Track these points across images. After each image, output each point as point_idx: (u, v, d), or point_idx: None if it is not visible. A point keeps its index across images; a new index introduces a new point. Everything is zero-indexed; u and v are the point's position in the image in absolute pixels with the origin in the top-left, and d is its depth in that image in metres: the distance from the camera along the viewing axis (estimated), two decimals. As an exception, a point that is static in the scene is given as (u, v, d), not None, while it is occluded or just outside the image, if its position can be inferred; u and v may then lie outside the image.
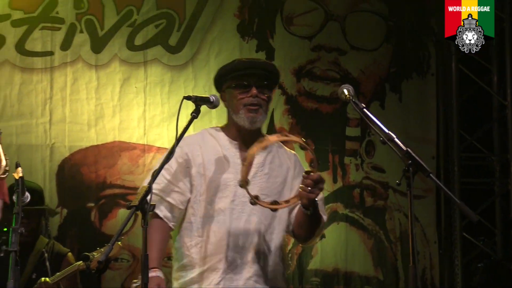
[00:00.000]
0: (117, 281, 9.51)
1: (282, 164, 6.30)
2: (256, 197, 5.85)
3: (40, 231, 8.62)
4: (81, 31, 9.95)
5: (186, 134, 5.95)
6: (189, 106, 5.99)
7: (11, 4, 9.83)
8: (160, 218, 6.13)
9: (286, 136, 6.19)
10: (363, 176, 10.16)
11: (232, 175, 6.14)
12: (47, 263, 8.26)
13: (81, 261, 8.16)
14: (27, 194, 6.05)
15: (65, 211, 9.76)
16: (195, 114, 5.97)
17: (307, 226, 6.08)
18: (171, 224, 6.20)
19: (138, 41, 10.03)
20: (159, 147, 9.59)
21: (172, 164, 6.12)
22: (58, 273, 8.18)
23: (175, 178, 6.20)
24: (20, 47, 9.85)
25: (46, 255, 8.32)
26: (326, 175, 9.87)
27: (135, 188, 9.03)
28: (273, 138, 6.00)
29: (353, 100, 5.88)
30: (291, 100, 10.11)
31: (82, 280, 8.86)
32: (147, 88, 9.95)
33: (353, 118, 10.09)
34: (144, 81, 9.97)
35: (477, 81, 10.35)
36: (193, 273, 6.20)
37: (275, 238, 6.20)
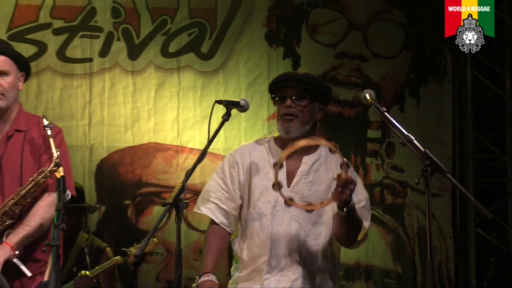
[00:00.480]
0: (152, 274, 9.51)
1: (329, 172, 6.19)
2: (291, 199, 5.83)
3: (80, 227, 8.62)
4: (118, 39, 9.98)
5: (245, 143, 6.18)
6: (220, 110, 5.99)
7: (52, 14, 9.86)
8: (217, 224, 6.11)
9: (314, 140, 6.15)
10: (383, 176, 10.13)
11: (270, 182, 5.96)
12: (87, 257, 8.27)
13: (119, 256, 8.18)
14: (68, 192, 6.04)
15: (103, 208, 9.79)
16: (226, 117, 5.99)
17: (345, 229, 5.99)
18: (228, 229, 6.17)
19: (172, 48, 10.03)
20: (191, 148, 9.59)
21: (225, 172, 6.16)
22: (97, 267, 8.19)
23: (228, 186, 6.17)
24: (61, 54, 9.89)
25: (86, 249, 8.33)
26: (348, 175, 9.89)
27: (169, 187, 9.16)
28: (302, 142, 5.89)
29: (375, 104, 5.86)
30: (317, 104, 10.09)
31: (120, 273, 8.88)
32: (180, 93, 9.95)
33: (374, 121, 10.06)
34: (177, 86, 9.97)
35: (491, 86, 10.27)
36: (242, 273, 6.17)
37: (321, 243, 6.13)
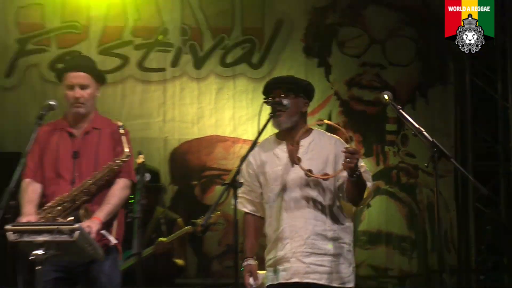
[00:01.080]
0: (215, 239, 9.56)
1: (323, 149, 6.16)
2: (310, 171, 5.93)
3: (157, 202, 8.65)
4: (186, 53, 10.03)
5: (260, 139, 6.05)
6: (267, 109, 6.03)
7: (133, 33, 9.93)
8: (248, 213, 6.22)
9: (321, 120, 6.58)
10: (399, 161, 10.09)
11: (280, 168, 6.14)
12: (163, 227, 8.29)
13: (189, 226, 8.19)
14: (147, 174, 6.07)
15: (175, 187, 9.88)
16: (272, 114, 6.02)
17: (355, 190, 5.99)
18: (258, 214, 6.26)
19: (229, 60, 10.07)
20: (245, 139, 9.61)
21: (244, 172, 6.19)
22: (171, 235, 8.20)
23: (247, 181, 6.23)
24: (140, 65, 9.98)
25: (162, 221, 8.35)
26: (371, 160, 9.90)
27: (228, 170, 9.17)
28: (312, 123, 6.26)
29: (392, 103, 5.86)
30: (344, 104, 10.07)
31: (190, 239, 8.92)
32: (236, 96, 9.99)
33: (391, 117, 10.02)
34: (233, 90, 10.01)
35: (486, 88, 10.19)
36: (269, 243, 6.20)
37: (326, 206, 6.12)
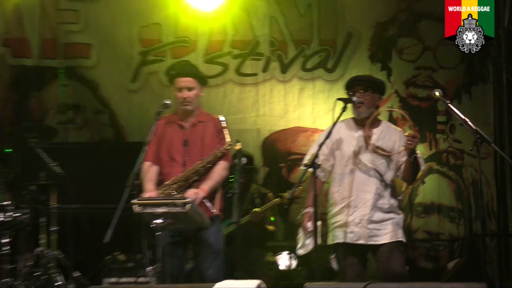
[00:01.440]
0: (298, 211, 9.38)
1: (390, 138, 6.27)
2: (377, 148, 6.13)
3: (252, 180, 8.65)
4: (274, 61, 9.96)
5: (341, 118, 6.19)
6: (340, 104, 6.13)
7: (232, 45, 9.95)
8: (317, 178, 6.15)
9: (391, 107, 6.46)
10: (448, 146, 9.92)
11: (356, 148, 6.23)
12: (256, 200, 8.28)
13: (278, 199, 8.18)
14: (243, 158, 6.17)
15: (267, 168, 9.85)
16: (344, 109, 6.09)
17: (410, 171, 6.10)
18: (323, 179, 6.37)
19: (308, 65, 9.98)
20: (322, 129, 9.51)
21: (322, 140, 6.15)
22: (263, 206, 8.20)
23: (325, 152, 6.30)
24: (237, 71, 9.96)
25: (256, 195, 8.35)
26: (425, 145, 9.77)
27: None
28: (378, 110, 6.35)
29: (442, 98, 5.87)
30: (402, 100, 9.92)
31: (279, 210, 8.91)
32: (314, 94, 9.93)
33: (441, 110, 9.85)
34: (312, 90, 9.93)
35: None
36: (335, 209, 6.29)
37: (387, 184, 6.21)
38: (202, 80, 6.62)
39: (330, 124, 6.13)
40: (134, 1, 9.95)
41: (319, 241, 6.02)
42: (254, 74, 9.96)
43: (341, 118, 6.19)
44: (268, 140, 9.89)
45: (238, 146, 6.08)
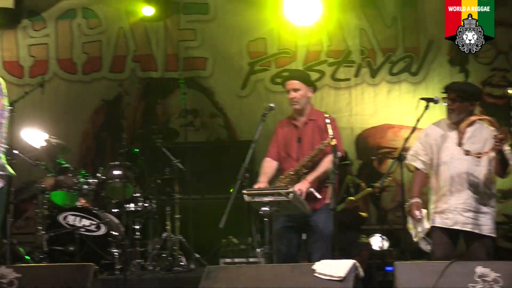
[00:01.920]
0: (389, 198, 9.31)
1: (482, 136, 6.02)
2: (468, 152, 5.81)
3: (347, 172, 8.47)
4: (364, 67, 9.78)
5: (432, 122, 6.16)
6: (423, 103, 6.04)
7: (327, 55, 9.86)
8: (419, 169, 6.15)
9: (481, 116, 6.09)
10: (523, 136, 9.61)
11: (451, 145, 6.03)
12: (351, 190, 8.14)
13: (369, 188, 8.00)
14: (338, 152, 6.06)
15: (360, 161, 9.70)
16: (427, 107, 6.01)
17: (500, 166, 5.90)
18: (425, 172, 6.18)
19: (395, 70, 9.75)
20: (408, 126, 9.28)
21: (422, 139, 6.16)
22: (357, 194, 8.03)
23: (424, 146, 6.17)
24: (333, 77, 9.82)
25: (350, 185, 8.18)
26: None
27: (396, 148, 9.13)
28: (472, 118, 5.94)
29: (515, 96, 5.69)
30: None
31: (371, 198, 8.76)
32: (401, 95, 9.70)
33: (515, 106, 9.54)
34: (399, 91, 9.70)
35: None
36: (434, 197, 6.14)
37: (479, 177, 5.98)
38: (308, 82, 6.49)
39: (415, 121, 6.03)
40: (242, 19, 9.99)
41: (427, 226, 6.03)
42: (347, 79, 9.80)
43: (438, 118, 6.15)
44: (360, 136, 9.71)
45: (333, 142, 5.95)
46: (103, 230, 7.81)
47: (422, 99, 6.07)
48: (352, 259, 5.11)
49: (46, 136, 8.38)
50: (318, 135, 6.29)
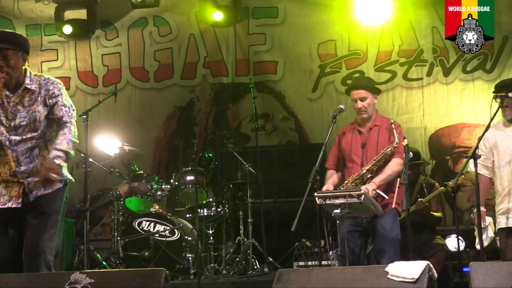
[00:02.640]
0: (464, 198, 9.15)
1: None
2: None
3: (420, 173, 8.36)
4: (437, 66, 9.62)
5: (492, 123, 5.95)
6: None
7: (398, 54, 9.75)
8: (482, 174, 6.10)
9: None
10: None
11: (507, 143, 6.03)
12: (424, 190, 8.02)
13: (442, 187, 7.88)
14: (410, 153, 6.03)
15: (434, 161, 9.55)
16: (501, 105, 5.99)
17: None
18: (488, 177, 6.17)
19: (468, 68, 9.55)
20: (483, 124, 9.06)
21: (481, 144, 6.06)
22: (429, 195, 7.91)
23: (485, 151, 6.14)
24: (404, 77, 9.70)
25: (424, 185, 8.06)
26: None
27: (469, 147, 8.82)
28: None
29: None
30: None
31: (446, 198, 8.64)
32: (475, 93, 9.49)
33: None
34: (473, 89, 9.50)
35: None
36: (498, 198, 6.11)
37: None
38: (374, 90, 6.48)
39: (489, 119, 5.92)
40: (312, 22, 9.99)
41: (492, 234, 6.06)
42: (420, 79, 9.66)
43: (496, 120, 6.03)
44: (434, 136, 9.55)
45: (404, 142, 5.92)
46: (176, 235, 7.91)
47: (495, 96, 6.00)
48: (427, 260, 5.02)
49: (119, 143, 8.56)
50: (382, 140, 6.27)
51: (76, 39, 10.39)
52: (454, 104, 9.53)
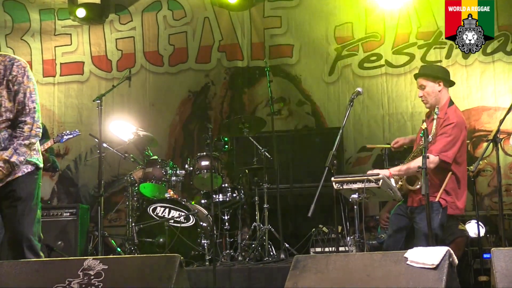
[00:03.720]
0: (485, 182, 9.02)
1: None
2: None
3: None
4: (456, 48, 9.35)
5: None
6: None
7: (417, 37, 9.63)
8: None
9: None
10: None
11: None
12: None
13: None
14: (430, 137, 5.88)
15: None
16: None
17: None
18: None
19: (489, 50, 9.39)
20: (504, 107, 8.97)
21: None
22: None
23: None
24: (423, 59, 9.57)
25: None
26: None
27: (489, 131, 8.61)
28: None
29: None
30: None
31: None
32: (496, 76, 9.35)
33: None
34: (493, 72, 9.36)
35: None
36: None
37: None
38: (433, 76, 6.25)
39: (511, 101, 5.75)
40: (328, 4, 9.91)
41: None
42: (439, 61, 9.51)
43: None
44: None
45: (423, 126, 5.77)
46: (192, 221, 7.86)
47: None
48: (448, 246, 4.94)
49: (134, 128, 8.51)
50: (435, 130, 5.98)
51: (90, 24, 10.37)
52: (474, 87, 9.40)
